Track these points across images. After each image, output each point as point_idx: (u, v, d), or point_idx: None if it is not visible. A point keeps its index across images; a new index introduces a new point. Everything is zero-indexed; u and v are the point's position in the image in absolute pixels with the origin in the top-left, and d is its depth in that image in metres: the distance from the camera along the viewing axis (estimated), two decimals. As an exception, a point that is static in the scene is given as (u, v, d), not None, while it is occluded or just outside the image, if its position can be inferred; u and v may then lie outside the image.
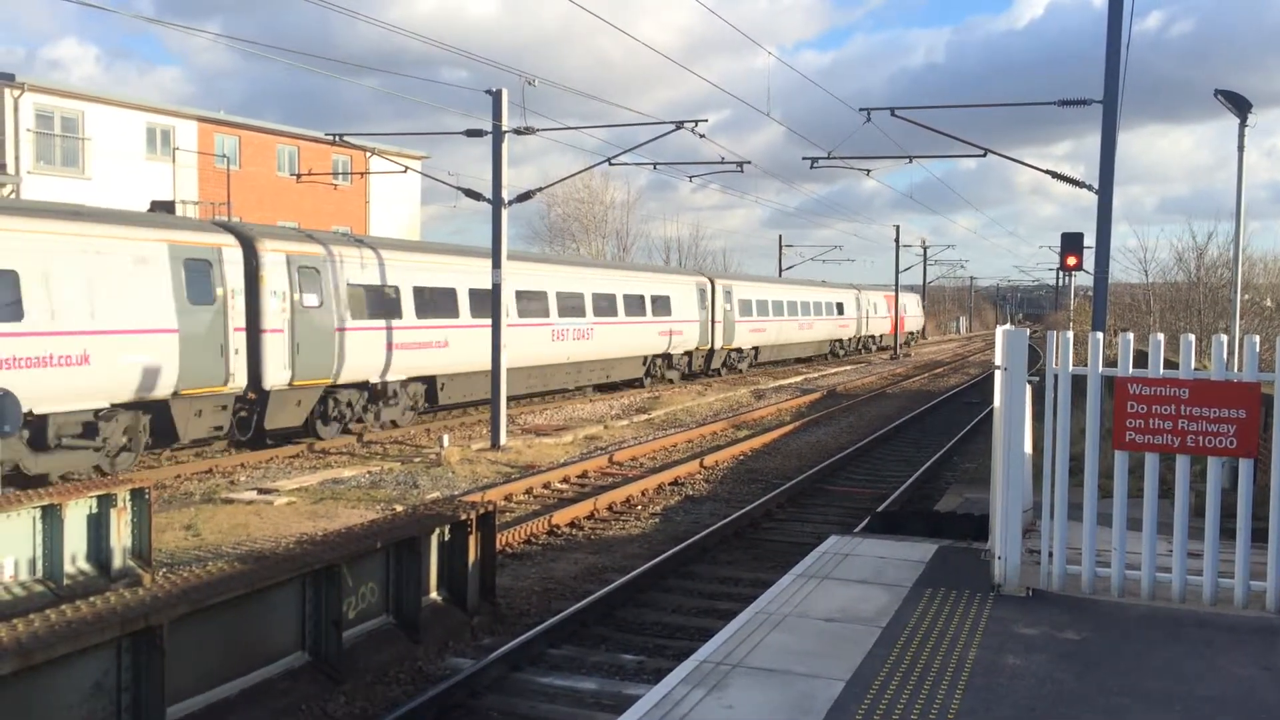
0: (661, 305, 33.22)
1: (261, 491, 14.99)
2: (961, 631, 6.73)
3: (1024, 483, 7.86)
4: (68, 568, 9.06)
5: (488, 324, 21.40)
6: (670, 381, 34.58)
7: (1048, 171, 18.82)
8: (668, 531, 13.09)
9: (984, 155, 20.14)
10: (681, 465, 17.49)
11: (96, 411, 15.15)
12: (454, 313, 22.96)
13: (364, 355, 20.16)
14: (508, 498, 14.81)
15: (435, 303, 22.40)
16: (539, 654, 8.30)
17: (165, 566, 10.36)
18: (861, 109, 19.20)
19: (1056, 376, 7.57)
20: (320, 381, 19.13)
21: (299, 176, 33.39)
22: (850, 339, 56.73)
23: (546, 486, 15.94)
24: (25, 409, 13.32)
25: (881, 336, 63.17)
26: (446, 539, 8.96)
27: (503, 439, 19.66)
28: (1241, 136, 16.37)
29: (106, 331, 15.11)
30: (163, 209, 19.45)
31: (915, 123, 19.03)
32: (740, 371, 41.06)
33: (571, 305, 27.83)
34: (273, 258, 18.12)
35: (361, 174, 39.53)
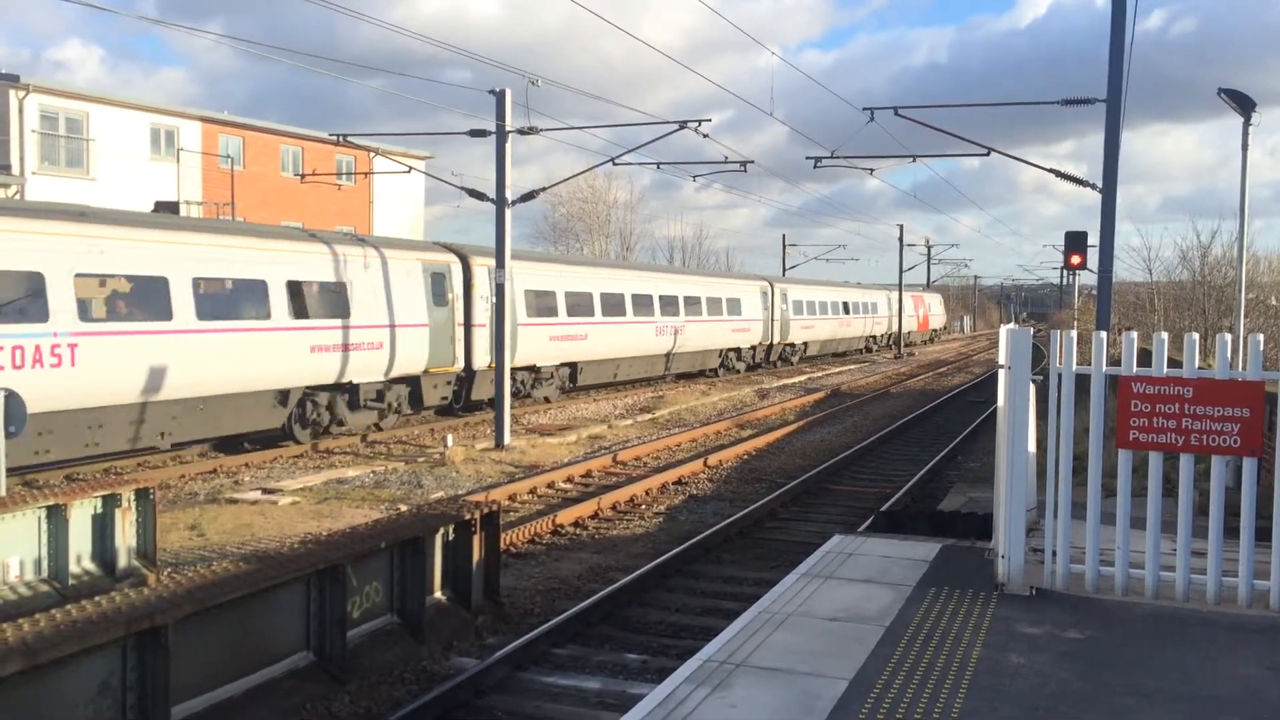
0: (735, 306, 39.00)
1: (266, 491, 15.01)
2: (965, 631, 6.73)
3: (1028, 482, 7.86)
4: (73, 568, 9.09)
5: (616, 321, 29.48)
6: (737, 371, 39.96)
7: (1051, 170, 18.81)
8: (672, 531, 13.10)
9: (987, 154, 20.14)
10: (685, 465, 17.50)
11: (384, 383, 20.69)
12: (591, 312, 28.77)
13: (533, 345, 25.76)
14: (512, 497, 14.82)
15: (578, 304, 28.15)
16: (543, 653, 8.31)
17: (170, 566, 10.37)
18: (865, 108, 19.21)
19: (1060, 375, 7.57)
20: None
21: (303, 177, 33.44)
22: (883, 334, 63.17)
23: (550, 486, 15.96)
24: (346, 379, 19.62)
25: (910, 332, 69.08)
26: (451, 539, 8.97)
27: (507, 439, 19.67)
28: (1245, 135, 16.36)
29: (392, 325, 20.65)
30: (167, 210, 19.49)
31: (919, 122, 19.04)
32: (792, 363, 46.84)
33: (670, 306, 33.51)
34: (480, 270, 23.51)
35: (365, 174, 39.57)
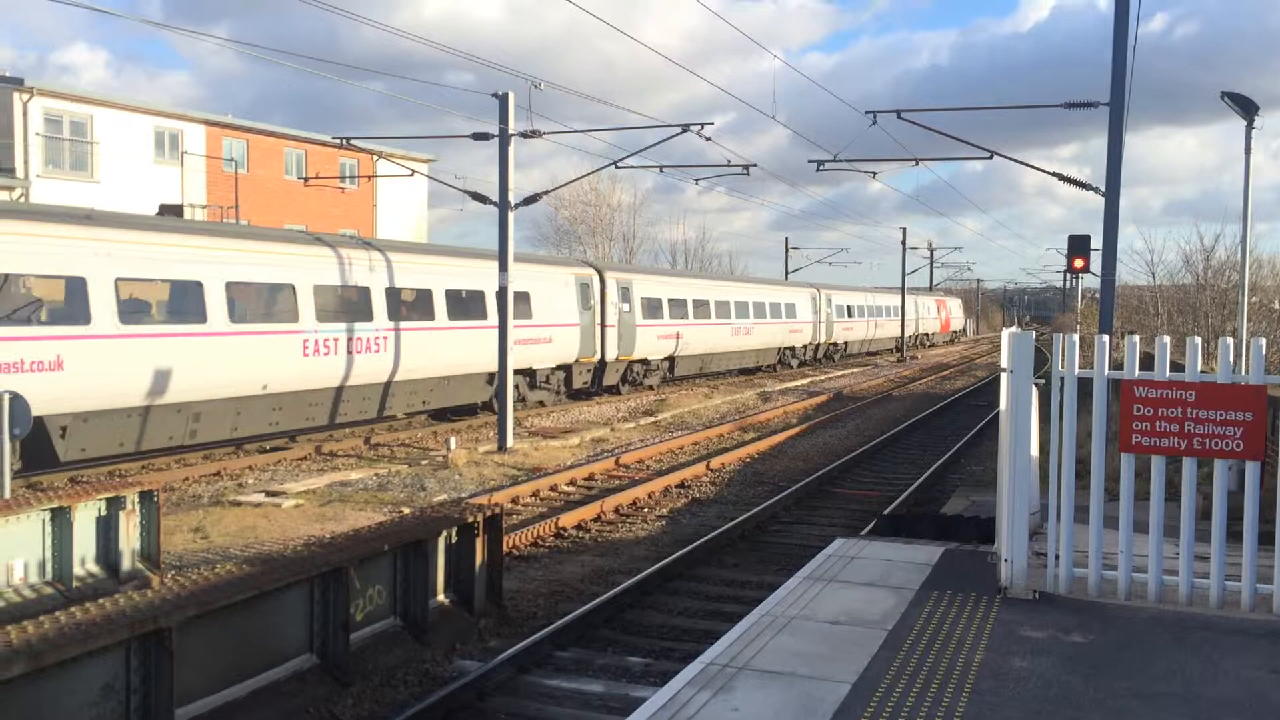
0: (790, 310, 45.81)
1: (269, 494, 15.03)
2: (968, 634, 6.74)
3: (1030, 486, 7.86)
4: (77, 570, 9.11)
5: (704, 323, 36.18)
6: (790, 367, 46.54)
7: (1055, 174, 18.80)
8: (674, 534, 13.10)
9: (990, 158, 20.14)
10: (688, 468, 17.51)
11: (551, 369, 26.75)
12: (685, 315, 34.82)
13: (646, 342, 31.76)
14: (515, 500, 14.83)
15: (677, 309, 34.24)
16: (546, 656, 8.32)
17: (174, 569, 10.39)
18: (867, 111, 19.19)
19: (1063, 379, 7.58)
20: (627, 358, 30.85)
21: (306, 180, 33.50)
22: (910, 336, 67.48)
23: (553, 489, 15.97)
24: (525, 365, 25.06)
25: (932, 334, 76.14)
26: (454, 542, 8.98)
27: (509, 441, 19.69)
28: (1248, 139, 16.36)
29: (556, 325, 26.49)
30: (171, 213, 19.54)
31: (921, 125, 19.03)
32: (834, 360, 53.34)
33: (742, 311, 40.06)
34: (611, 282, 29.76)
35: (369, 177, 39.55)
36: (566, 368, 27.59)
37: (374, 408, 20.72)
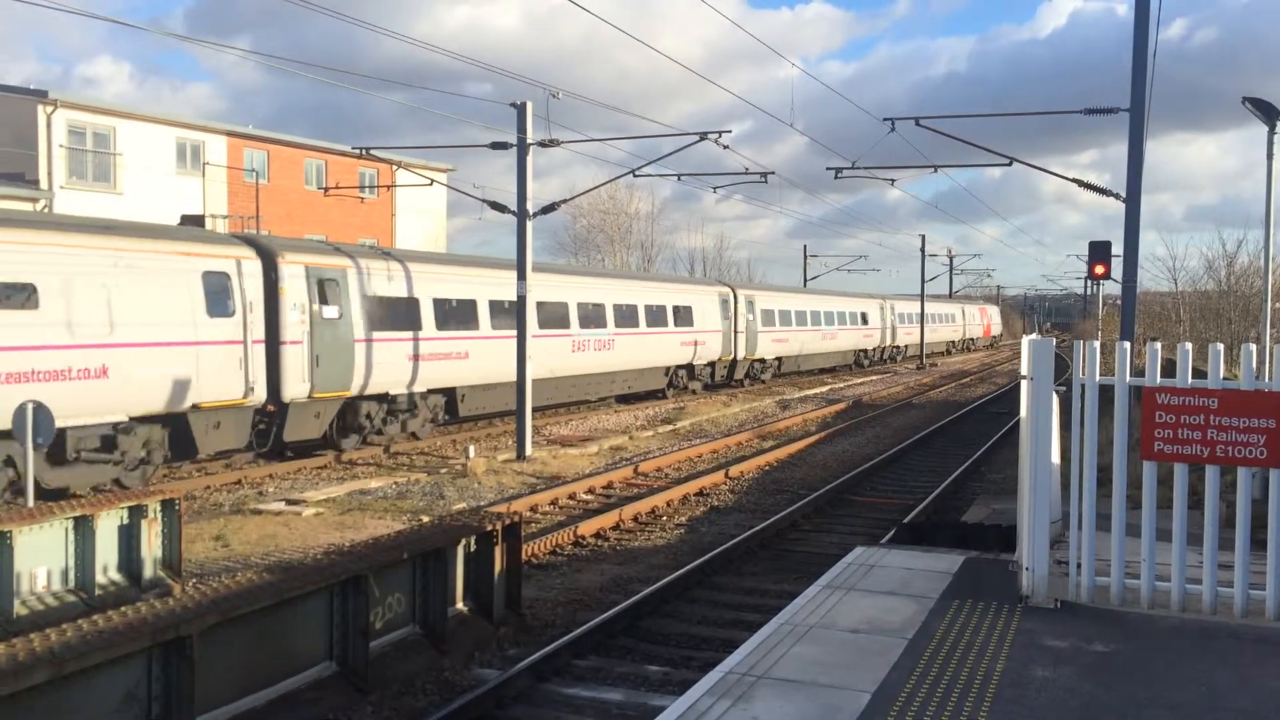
0: (863, 318, 52.23)
1: (289, 502, 15.10)
2: (989, 643, 6.70)
3: (1052, 493, 7.81)
4: (99, 578, 9.17)
5: (805, 329, 43.16)
6: (863, 367, 52.76)
7: (1075, 180, 18.69)
8: (693, 542, 13.08)
9: (1010, 164, 20.04)
10: (706, 476, 17.48)
11: (704, 365, 34.37)
12: (790, 323, 41.70)
13: (765, 345, 38.96)
14: (533, 509, 14.84)
15: (784, 317, 41.01)
16: (565, 665, 8.31)
17: (195, 577, 10.45)
18: (885, 118, 19.15)
19: (1084, 386, 7.53)
20: (751, 357, 38.06)
21: (326, 190, 33.64)
22: (960, 340, 77.79)
23: (572, 497, 15.97)
24: (688, 361, 32.94)
25: (976, 339, 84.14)
26: (473, 550, 8.99)
27: (528, 450, 19.71)
28: (1270, 144, 16.21)
29: (708, 331, 34.06)
30: (193, 224, 19.68)
31: (940, 132, 18.97)
32: (897, 362, 58.43)
33: (818, 318, 45.15)
34: (741, 296, 37.13)
35: (388, 187, 39.76)
36: (712, 364, 35.14)
37: (606, 388, 29.02)
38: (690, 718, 5.53)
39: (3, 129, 30.73)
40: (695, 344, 33.14)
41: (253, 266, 17.58)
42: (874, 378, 46.21)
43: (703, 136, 20.33)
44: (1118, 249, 17.54)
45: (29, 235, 14.28)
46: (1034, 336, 8.03)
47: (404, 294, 21.07)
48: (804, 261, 68.44)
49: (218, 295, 16.79)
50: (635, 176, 23.55)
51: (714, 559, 11.55)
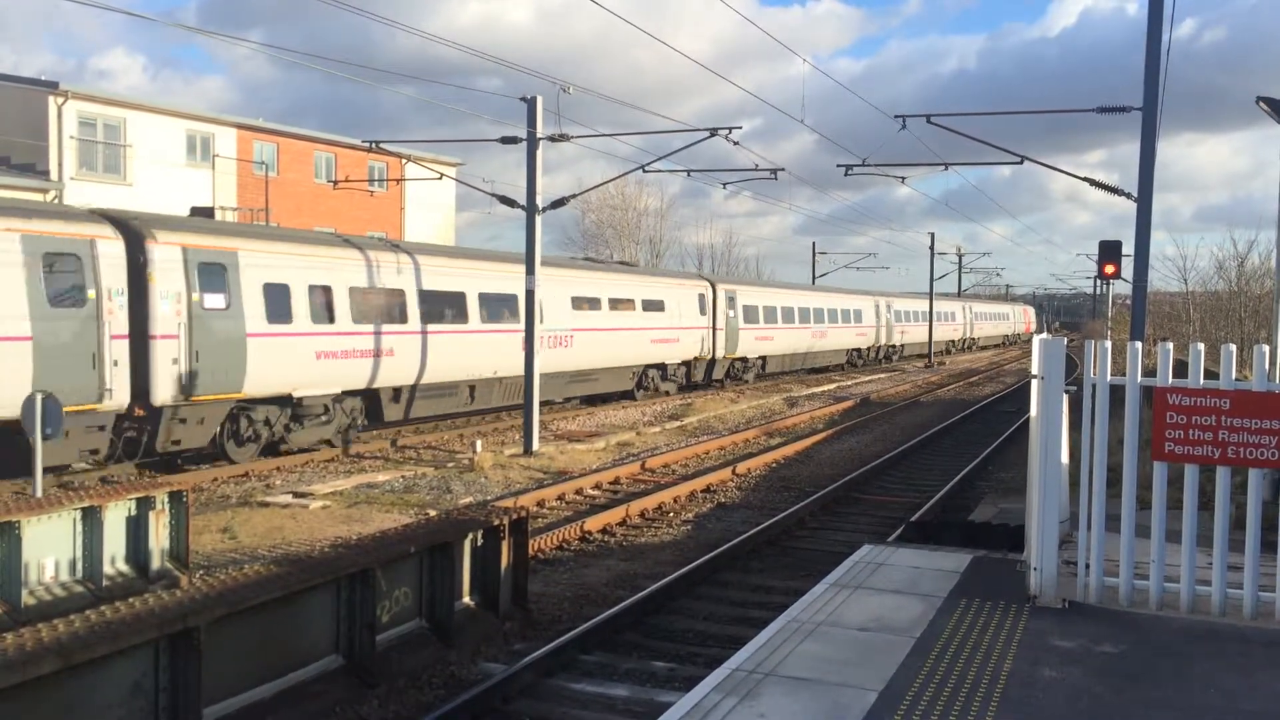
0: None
1: (297, 495, 15.12)
2: (996, 643, 6.67)
3: (1061, 493, 7.78)
4: (107, 569, 9.19)
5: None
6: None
7: (1087, 179, 18.61)
8: (700, 539, 13.07)
9: (1021, 163, 19.97)
10: (714, 472, 17.47)
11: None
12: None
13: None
14: (540, 503, 14.84)
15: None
16: (571, 660, 8.31)
17: (202, 569, 10.47)
18: (896, 116, 19.08)
19: (1094, 386, 7.49)
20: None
21: (335, 183, 33.64)
22: (1010, 334, 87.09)
23: (579, 492, 15.97)
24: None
25: (1018, 335, 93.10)
26: (479, 544, 8.99)
27: (535, 444, 19.71)
28: (1284, 143, 16.11)
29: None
30: (202, 215, 19.72)
31: (952, 130, 18.91)
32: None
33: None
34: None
35: (397, 180, 39.76)
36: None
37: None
38: (697, 714, 5.52)
39: (14, 120, 30.78)
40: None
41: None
42: (881, 375, 46.14)
43: (713, 132, 20.30)
44: (1127, 249, 17.47)
45: None
46: (1045, 336, 8.00)
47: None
48: (813, 258, 68.39)
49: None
50: (645, 172, 23.54)
51: (721, 556, 11.54)
